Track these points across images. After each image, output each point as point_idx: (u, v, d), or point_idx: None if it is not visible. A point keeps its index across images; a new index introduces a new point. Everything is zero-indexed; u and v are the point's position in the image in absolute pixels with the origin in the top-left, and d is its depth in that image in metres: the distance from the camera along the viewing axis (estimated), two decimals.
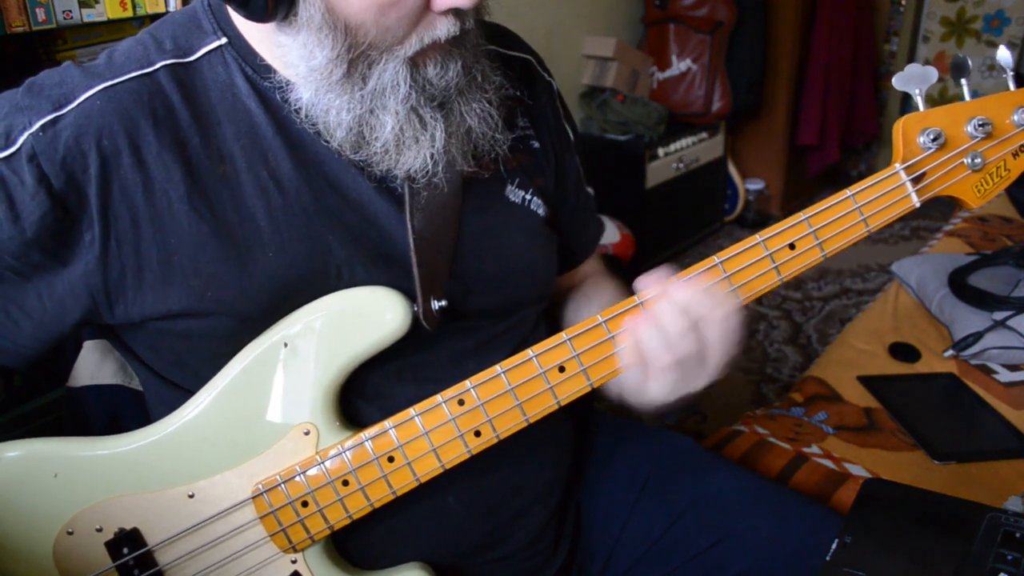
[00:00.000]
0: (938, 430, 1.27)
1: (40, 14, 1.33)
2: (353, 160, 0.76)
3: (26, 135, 0.69)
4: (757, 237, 0.78)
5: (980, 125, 0.80)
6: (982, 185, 0.82)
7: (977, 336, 1.43)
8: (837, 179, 3.98)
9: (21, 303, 0.73)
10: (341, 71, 0.70)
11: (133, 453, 0.75)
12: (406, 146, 0.73)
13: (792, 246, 0.79)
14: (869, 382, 1.40)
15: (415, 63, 0.72)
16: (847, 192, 0.79)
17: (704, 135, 3.11)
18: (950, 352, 1.46)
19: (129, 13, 1.46)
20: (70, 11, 1.37)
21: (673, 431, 1.07)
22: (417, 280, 0.77)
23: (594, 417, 1.06)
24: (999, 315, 1.45)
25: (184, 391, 0.78)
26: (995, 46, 3.39)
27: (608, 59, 2.94)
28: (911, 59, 3.73)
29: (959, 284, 1.56)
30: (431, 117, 0.74)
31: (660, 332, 0.73)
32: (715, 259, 0.78)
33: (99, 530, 0.75)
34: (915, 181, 0.80)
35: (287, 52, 0.71)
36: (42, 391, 1.36)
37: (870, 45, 3.64)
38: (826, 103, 3.38)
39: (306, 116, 0.73)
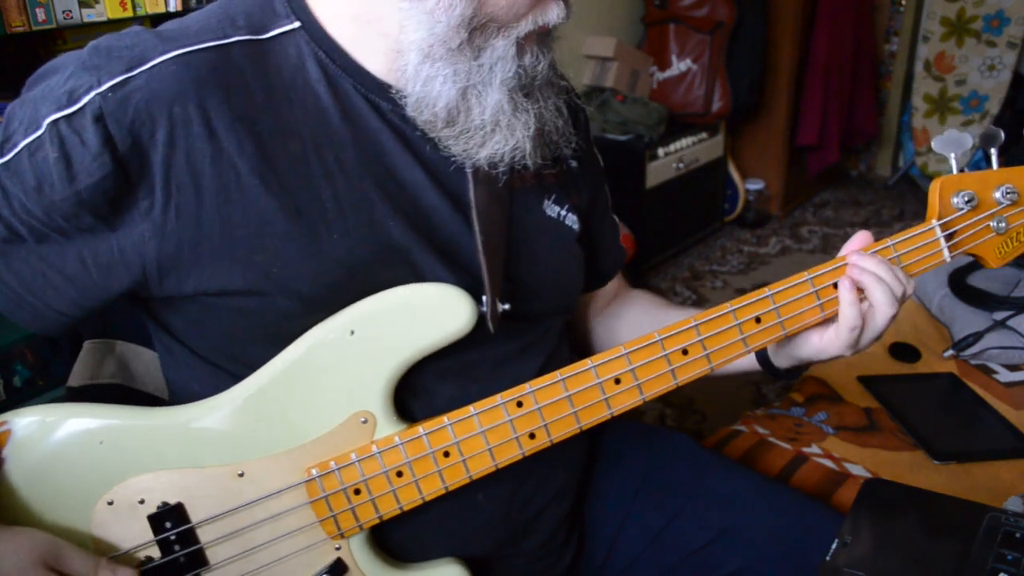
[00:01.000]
0: (938, 430, 1.27)
1: (40, 14, 1.33)
2: (417, 151, 0.77)
3: (93, 94, 0.66)
4: (805, 274, 0.84)
5: (1007, 192, 0.89)
6: (1003, 247, 0.92)
7: (977, 336, 1.43)
8: (837, 179, 3.98)
9: (61, 267, 0.71)
10: (460, 39, 0.71)
11: (184, 426, 0.74)
12: (500, 127, 0.75)
13: (836, 285, 0.84)
14: (869, 382, 1.40)
15: (521, 47, 0.74)
16: (888, 241, 0.86)
17: (704, 135, 3.11)
18: (950, 352, 1.46)
19: (129, 13, 1.46)
20: (70, 11, 1.37)
21: (673, 430, 1.07)
22: (487, 280, 0.77)
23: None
24: (999, 315, 1.45)
25: (223, 370, 0.77)
26: (995, 46, 3.39)
27: (608, 59, 2.94)
28: (911, 59, 3.73)
29: (959, 284, 1.56)
30: (522, 103, 0.76)
31: (887, 284, 0.81)
32: (767, 290, 0.83)
33: (142, 502, 0.74)
34: (947, 238, 0.89)
35: (406, 16, 0.71)
36: (42, 391, 1.36)
37: (870, 45, 3.64)
38: (826, 103, 3.38)
39: (403, 85, 0.74)
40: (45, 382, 1.36)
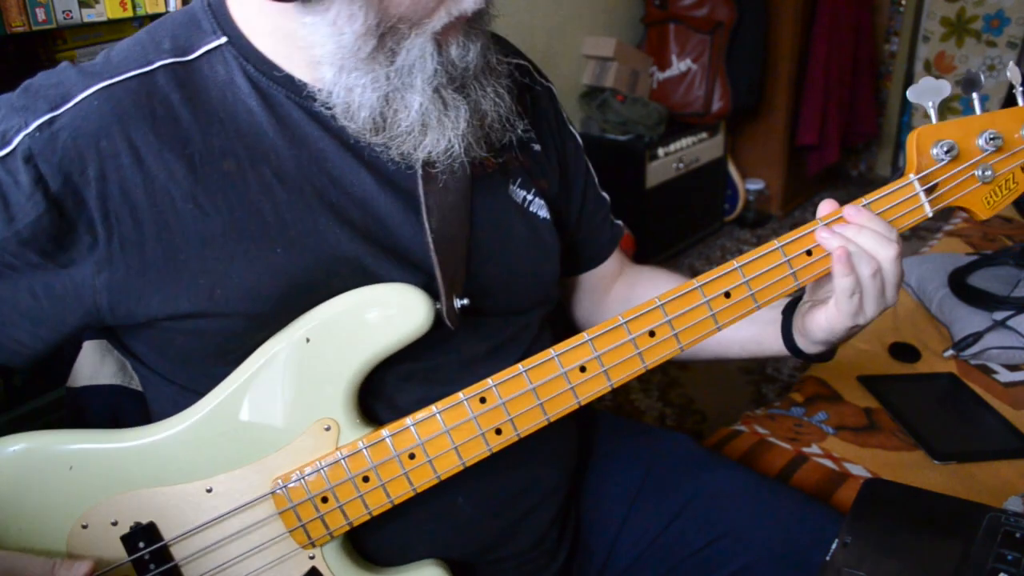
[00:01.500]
0: (938, 430, 1.27)
1: (40, 14, 1.33)
2: (361, 154, 0.76)
3: (22, 135, 0.68)
4: (776, 243, 0.79)
5: (991, 139, 0.83)
6: (991, 197, 0.85)
7: (977, 336, 1.43)
8: (837, 179, 3.98)
9: (14, 302, 0.72)
10: (370, 46, 0.69)
11: (151, 447, 0.75)
12: (430, 128, 0.73)
13: (809, 252, 0.80)
14: (869, 382, 1.40)
15: (439, 42, 0.71)
16: (863, 200, 0.81)
17: (704, 135, 3.11)
18: (950, 352, 1.46)
19: (129, 13, 1.46)
20: (70, 11, 1.37)
21: (673, 431, 1.07)
22: (439, 277, 0.76)
23: (595, 416, 1.06)
24: (999, 315, 1.45)
25: (189, 391, 0.77)
26: (995, 46, 3.40)
27: (608, 59, 2.94)
28: (911, 59, 3.73)
29: (959, 284, 1.56)
30: (452, 99, 0.73)
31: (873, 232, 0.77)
32: (735, 263, 0.78)
33: (114, 524, 0.74)
34: (928, 191, 0.83)
35: (312, 32, 0.70)
36: (42, 391, 1.36)
37: (870, 45, 3.64)
38: (826, 103, 3.38)
39: (325, 99, 0.73)
40: (45, 382, 1.36)
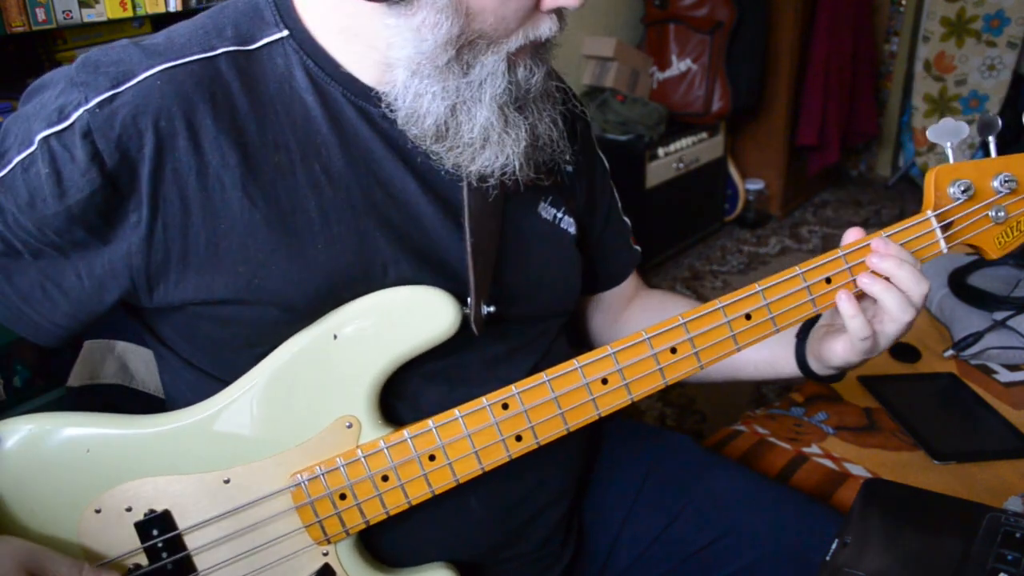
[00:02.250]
0: (938, 430, 1.27)
1: (40, 14, 1.33)
2: (408, 159, 0.76)
3: (81, 111, 0.67)
4: (796, 269, 0.81)
5: (1006, 181, 0.86)
6: (1003, 237, 0.89)
7: (977, 336, 1.43)
8: (837, 179, 3.98)
9: (59, 281, 0.72)
10: (448, 56, 0.70)
11: (171, 434, 0.75)
12: (490, 143, 0.74)
13: (828, 280, 0.82)
14: (869, 382, 1.40)
15: (511, 62, 0.73)
16: (881, 233, 0.83)
17: (704, 135, 3.11)
18: (950, 352, 1.46)
19: (129, 13, 1.46)
20: (70, 11, 1.37)
21: (673, 431, 1.08)
22: (472, 283, 0.77)
23: (600, 419, 1.07)
24: (999, 315, 1.45)
25: (214, 379, 0.77)
26: (995, 46, 3.39)
27: (608, 59, 2.94)
28: (911, 59, 3.73)
29: (959, 284, 1.56)
30: (514, 118, 0.75)
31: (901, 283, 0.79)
32: (756, 286, 0.81)
33: (128, 510, 0.74)
34: (943, 229, 0.85)
35: (394, 33, 0.70)
36: (42, 391, 1.36)
37: (870, 45, 3.64)
38: (826, 103, 3.38)
39: (393, 99, 0.73)
40: (45, 382, 1.36)
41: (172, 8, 1.54)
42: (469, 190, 0.78)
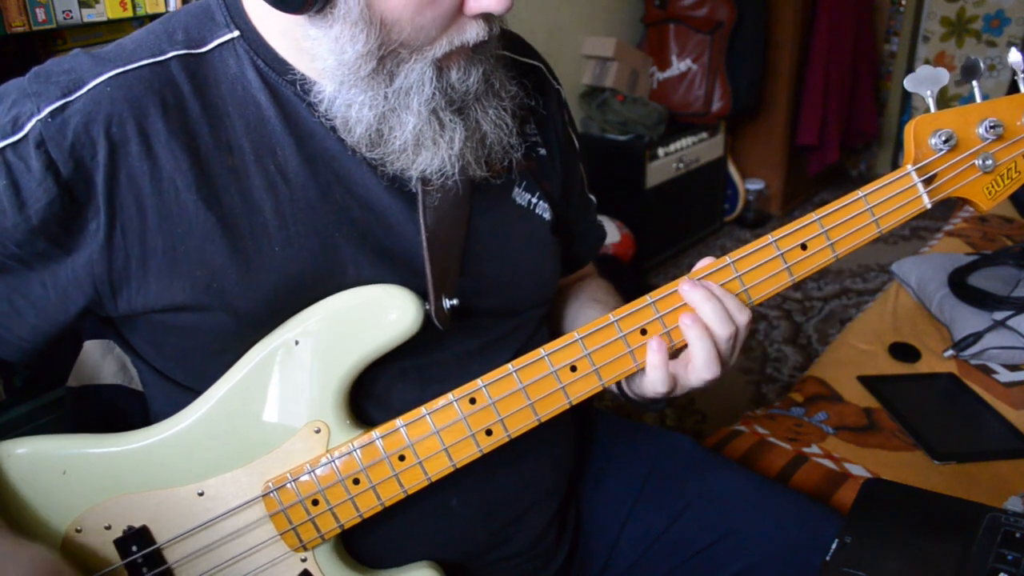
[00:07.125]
0: (938, 430, 1.27)
1: (40, 14, 1.33)
2: (366, 157, 0.76)
3: (34, 121, 0.68)
4: (769, 237, 0.78)
5: (991, 127, 0.80)
6: (993, 187, 0.83)
7: (977, 336, 1.43)
8: (837, 179, 3.98)
9: (26, 293, 0.72)
10: (370, 67, 0.70)
11: (143, 450, 0.75)
12: (424, 147, 0.74)
13: (804, 246, 0.79)
14: (869, 382, 1.40)
15: (440, 67, 0.72)
16: (859, 193, 0.80)
17: (704, 135, 3.11)
18: (950, 352, 1.46)
19: (129, 13, 1.46)
20: (70, 11, 1.37)
21: (673, 431, 1.07)
22: (429, 278, 0.77)
23: (594, 417, 1.06)
24: (999, 315, 1.45)
25: (187, 389, 0.77)
26: (995, 46, 3.40)
27: (608, 59, 2.94)
28: (911, 59, 3.73)
29: (959, 284, 1.56)
30: (450, 120, 0.74)
31: (724, 317, 0.75)
32: (727, 259, 0.78)
33: (108, 528, 0.75)
34: (927, 182, 0.81)
35: (316, 45, 0.70)
36: (42, 391, 1.36)
37: (870, 45, 3.64)
38: (826, 103, 3.39)
39: (326, 110, 0.73)
40: (45, 382, 1.36)
41: (172, 8, 1.54)
42: (423, 183, 0.78)
